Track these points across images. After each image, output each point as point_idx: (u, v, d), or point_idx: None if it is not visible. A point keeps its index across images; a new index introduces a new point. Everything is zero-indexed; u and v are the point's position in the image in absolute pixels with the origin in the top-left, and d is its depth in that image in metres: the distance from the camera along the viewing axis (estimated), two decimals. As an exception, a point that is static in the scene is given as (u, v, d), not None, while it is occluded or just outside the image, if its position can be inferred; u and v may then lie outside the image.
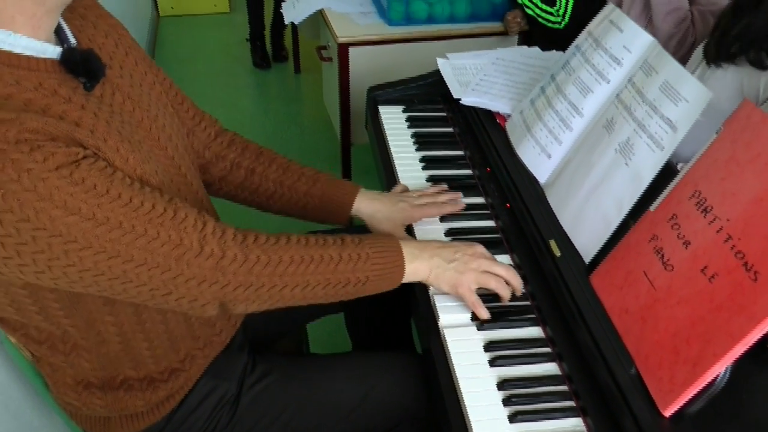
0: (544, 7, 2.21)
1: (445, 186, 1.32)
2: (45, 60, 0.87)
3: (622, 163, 1.06)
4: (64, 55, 0.89)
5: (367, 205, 1.27)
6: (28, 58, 0.85)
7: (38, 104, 0.83)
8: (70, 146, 0.82)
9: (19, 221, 0.78)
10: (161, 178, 0.98)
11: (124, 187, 0.86)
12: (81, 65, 0.90)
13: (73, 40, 0.95)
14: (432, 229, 1.25)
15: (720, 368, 0.79)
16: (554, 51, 1.65)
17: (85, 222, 0.81)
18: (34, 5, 0.85)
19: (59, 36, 0.93)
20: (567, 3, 2.17)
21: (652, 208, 0.98)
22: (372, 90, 1.64)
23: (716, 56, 1.43)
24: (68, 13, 0.96)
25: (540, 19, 2.23)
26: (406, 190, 1.32)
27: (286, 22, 2.55)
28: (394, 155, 1.45)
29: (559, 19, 2.19)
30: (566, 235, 1.11)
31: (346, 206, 1.27)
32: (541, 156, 1.24)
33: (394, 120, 1.56)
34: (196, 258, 0.90)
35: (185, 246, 0.89)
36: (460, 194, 1.30)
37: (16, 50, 0.84)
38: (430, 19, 2.31)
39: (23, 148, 0.77)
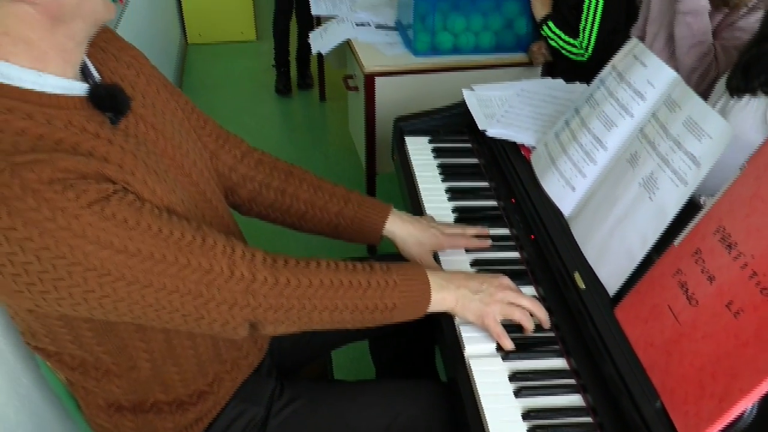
0: (567, 39, 2.24)
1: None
2: (73, 97, 0.90)
3: (646, 197, 1.07)
4: (91, 91, 0.92)
5: (399, 226, 1.28)
6: (58, 96, 0.88)
7: (69, 142, 0.87)
8: (100, 183, 0.86)
9: (56, 258, 0.81)
10: (187, 206, 1.01)
11: (153, 218, 0.89)
12: (107, 101, 0.93)
13: (97, 75, 0.98)
14: (458, 259, 1.26)
15: (747, 404, 0.79)
16: (578, 83, 1.67)
17: (117, 255, 0.84)
18: (66, 39, 0.88)
19: (83, 72, 0.96)
20: (590, 35, 2.19)
21: (676, 242, 0.98)
22: (398, 120, 1.67)
23: (740, 88, 1.45)
24: (90, 48, 0.98)
25: (563, 51, 2.25)
26: (432, 221, 1.34)
27: (314, 52, 2.60)
28: (421, 186, 1.47)
29: (582, 51, 2.22)
30: (590, 267, 1.12)
31: (378, 227, 1.28)
32: (565, 189, 1.26)
33: (420, 151, 1.59)
34: (226, 282, 0.92)
35: (215, 272, 0.92)
36: (488, 230, 1.31)
37: (47, 89, 0.87)
38: (456, 50, 2.35)
39: (57, 188, 0.81)
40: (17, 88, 0.85)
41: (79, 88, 0.91)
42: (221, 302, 0.93)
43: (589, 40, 2.20)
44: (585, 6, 2.18)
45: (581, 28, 2.20)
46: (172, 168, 1.03)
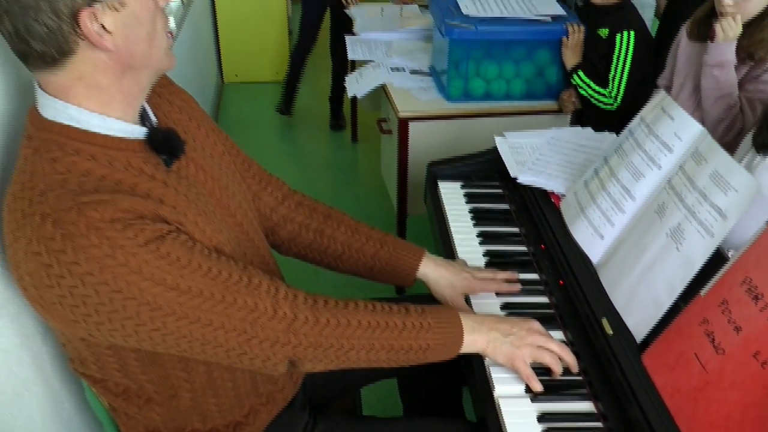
0: (596, 88, 2.29)
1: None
2: (132, 140, 0.98)
3: (673, 247, 1.11)
4: (149, 135, 0.99)
5: (432, 270, 1.33)
6: (120, 139, 0.96)
7: (128, 183, 0.94)
8: (156, 223, 0.92)
9: (112, 291, 0.87)
10: (233, 245, 1.07)
11: (203, 258, 0.95)
12: (164, 144, 1.01)
13: (154, 119, 1.06)
14: (488, 303, 1.30)
15: (771, 452, 0.81)
16: (606, 132, 1.72)
17: (169, 291, 0.90)
18: (132, 85, 0.97)
19: (141, 116, 1.04)
20: (619, 85, 2.25)
21: (702, 292, 1.01)
22: (432, 165, 1.73)
23: (766, 145, 1.48)
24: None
25: (593, 100, 2.31)
26: (465, 265, 1.38)
27: (349, 96, 2.68)
28: (453, 230, 1.52)
29: (611, 101, 2.27)
30: (618, 314, 1.15)
31: (412, 270, 1.33)
32: (594, 237, 1.30)
33: (452, 195, 1.64)
34: (269, 321, 0.98)
35: (260, 310, 0.97)
36: (518, 275, 1.35)
37: (110, 132, 0.95)
38: (488, 96, 2.41)
39: (117, 227, 0.87)
40: (84, 131, 0.93)
41: (139, 132, 0.99)
42: (264, 339, 0.98)
43: (618, 89, 2.25)
44: (614, 56, 2.24)
45: (610, 78, 2.26)
46: (219, 208, 1.09)
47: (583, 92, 2.32)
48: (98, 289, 0.87)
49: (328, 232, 1.34)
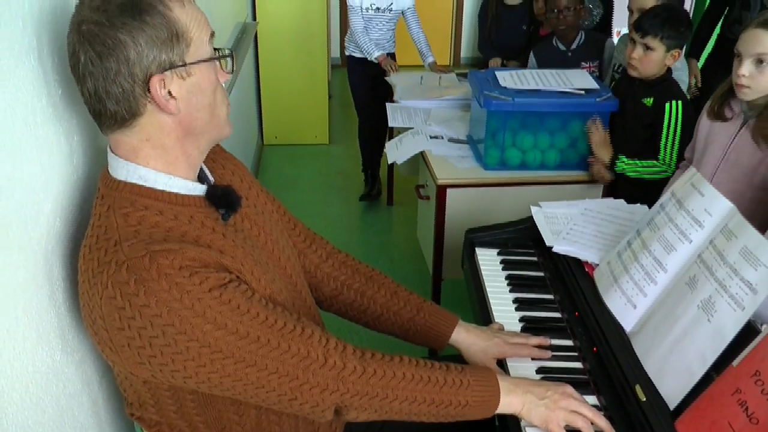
0: (645, 164, 2.32)
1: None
2: (194, 197, 1.08)
3: (705, 319, 1.15)
4: (208, 191, 1.10)
5: (464, 336, 1.39)
6: (183, 196, 1.07)
7: (192, 235, 1.04)
8: (219, 271, 1.01)
9: (178, 333, 0.95)
10: (284, 296, 1.15)
11: (261, 307, 1.03)
12: (222, 199, 1.11)
13: (211, 178, 1.17)
14: (524, 366, 1.35)
15: None
16: (638, 204, 1.78)
17: (229, 336, 0.98)
18: (192, 148, 1.08)
19: (200, 175, 1.15)
20: (672, 153, 2.27)
21: (735, 363, 1.05)
22: (470, 232, 1.80)
23: None
24: None
25: (646, 176, 2.33)
26: (502, 329, 1.44)
27: (389, 162, 2.78)
28: (490, 295, 1.58)
29: (665, 167, 2.29)
30: (651, 381, 1.19)
31: (446, 336, 1.40)
32: (627, 306, 1.34)
33: (489, 262, 1.71)
34: (320, 368, 1.05)
35: (311, 358, 1.04)
36: (550, 341, 1.40)
37: (174, 190, 1.06)
38: (523, 166, 2.49)
39: (185, 273, 0.96)
40: (152, 189, 1.04)
41: (200, 189, 1.09)
42: (314, 386, 1.04)
43: (671, 156, 2.28)
44: (665, 125, 2.27)
45: (662, 146, 2.29)
46: (271, 261, 1.18)
47: (633, 174, 2.35)
48: (165, 331, 0.95)
49: (368, 294, 1.41)
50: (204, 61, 1.03)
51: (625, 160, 2.35)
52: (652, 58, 2.27)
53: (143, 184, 1.04)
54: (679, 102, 2.28)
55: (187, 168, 1.09)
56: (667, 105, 2.28)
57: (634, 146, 2.39)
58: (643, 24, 2.26)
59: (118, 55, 0.95)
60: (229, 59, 1.10)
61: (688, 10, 4.98)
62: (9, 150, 0.93)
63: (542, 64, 3.13)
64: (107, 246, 0.98)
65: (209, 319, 0.97)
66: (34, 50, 1.01)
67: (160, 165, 1.05)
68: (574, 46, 3.08)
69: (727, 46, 2.96)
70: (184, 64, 1.00)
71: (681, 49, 2.30)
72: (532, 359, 1.37)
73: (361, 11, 3.68)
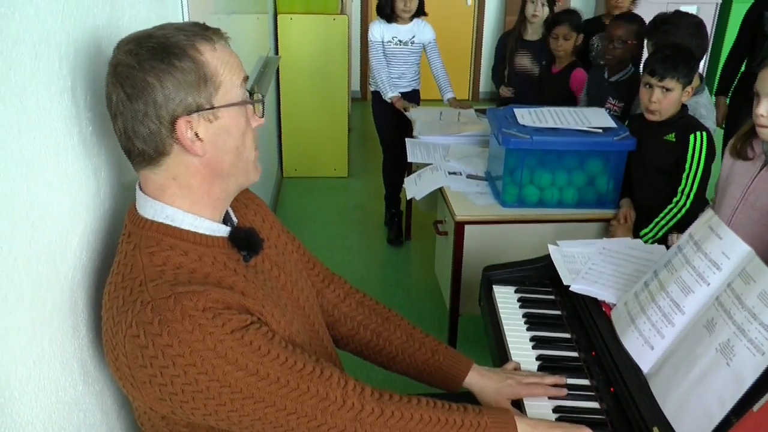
0: (663, 216, 2.33)
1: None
2: (218, 238, 1.10)
3: (723, 363, 1.15)
4: (231, 233, 1.12)
5: (477, 380, 1.40)
6: (207, 236, 1.09)
7: (215, 276, 1.06)
8: (241, 313, 1.03)
9: (199, 373, 0.97)
10: (303, 337, 1.16)
11: (281, 349, 1.04)
12: (245, 241, 1.13)
13: (235, 219, 1.19)
14: (541, 405, 1.35)
15: None
16: (656, 244, 1.78)
17: (250, 376, 1.00)
18: (219, 190, 1.11)
19: (224, 217, 1.17)
20: (693, 183, 2.27)
21: (755, 408, 1.05)
22: (487, 269, 1.81)
23: None
24: None
25: (672, 223, 2.33)
26: (518, 367, 1.44)
27: (408, 198, 2.80)
28: (507, 333, 1.58)
29: (682, 204, 2.29)
30: (669, 423, 1.18)
31: (460, 379, 1.41)
32: (644, 347, 1.34)
33: (506, 299, 1.71)
34: (339, 410, 1.06)
35: (330, 399, 1.05)
36: (566, 380, 1.40)
37: (199, 231, 1.08)
38: (541, 203, 2.50)
39: (208, 315, 0.98)
40: (178, 228, 1.06)
41: (224, 231, 1.12)
42: (332, 427, 1.05)
43: (692, 186, 2.28)
44: (689, 155, 2.27)
45: (685, 176, 2.29)
46: (290, 301, 1.20)
47: (662, 234, 2.34)
48: (186, 370, 0.97)
49: (384, 334, 1.43)
50: (233, 105, 1.06)
51: (651, 228, 2.35)
52: (672, 99, 2.29)
53: (170, 224, 1.07)
54: (704, 133, 2.28)
55: (212, 209, 1.11)
56: (692, 136, 2.28)
57: (655, 186, 2.39)
58: (657, 68, 2.28)
59: (146, 98, 0.99)
60: (260, 105, 1.12)
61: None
62: (42, 187, 0.96)
63: (590, 85, 3.21)
64: (132, 285, 1.01)
65: (230, 360, 0.99)
66: (68, 90, 1.05)
67: (186, 204, 1.08)
68: (614, 78, 3.10)
69: (752, 83, 3.00)
70: (212, 107, 1.03)
71: (692, 85, 2.32)
72: (552, 398, 1.36)
73: (383, 45, 3.74)
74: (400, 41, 3.76)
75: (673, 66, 2.26)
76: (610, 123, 2.50)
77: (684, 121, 2.34)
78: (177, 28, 1.03)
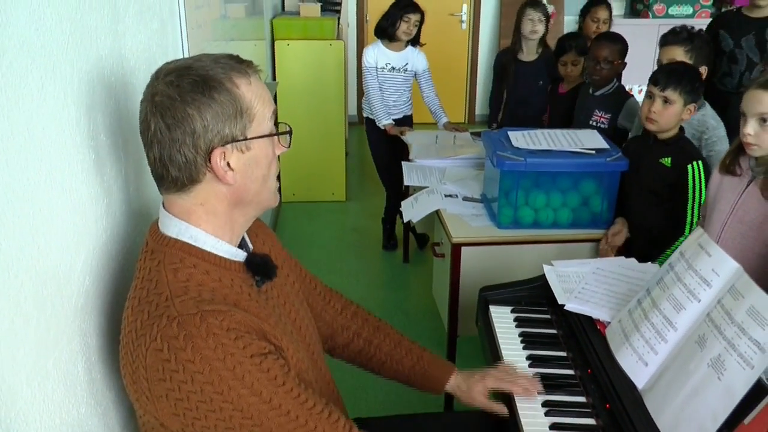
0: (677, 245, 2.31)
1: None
2: (235, 262, 1.13)
3: (715, 377, 1.17)
4: (248, 258, 1.15)
5: (458, 384, 1.52)
6: (227, 260, 1.12)
7: (232, 298, 1.08)
8: (261, 340, 1.05)
9: (215, 392, 0.99)
10: (311, 376, 1.19)
11: (294, 384, 1.07)
12: (261, 267, 1.16)
13: (250, 245, 1.22)
14: (538, 422, 1.37)
15: None
16: (649, 263, 1.81)
17: (263, 404, 1.02)
18: (240, 216, 1.15)
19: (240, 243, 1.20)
20: (693, 214, 2.29)
21: (746, 421, 1.07)
22: (484, 290, 1.83)
23: None
24: None
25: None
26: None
27: (405, 221, 2.83)
28: (503, 352, 1.61)
29: (689, 230, 2.30)
30: (664, 439, 1.21)
31: (442, 383, 1.52)
32: (638, 363, 1.36)
33: (503, 319, 1.74)
34: None
35: None
36: (537, 383, 1.46)
37: (220, 253, 1.11)
38: (536, 224, 2.52)
39: (231, 336, 1.01)
40: (201, 249, 1.10)
41: (241, 255, 1.15)
42: None
43: (693, 218, 2.30)
44: (690, 187, 2.28)
45: (689, 208, 2.29)
46: (296, 331, 1.23)
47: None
48: (203, 388, 0.99)
49: (375, 342, 1.51)
50: (264, 136, 1.10)
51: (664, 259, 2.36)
52: (672, 112, 2.29)
53: (193, 244, 1.10)
54: (700, 162, 2.29)
55: (232, 234, 1.15)
56: (689, 167, 2.28)
57: (648, 205, 2.42)
58: (660, 78, 2.30)
59: (185, 128, 1.03)
60: (288, 135, 1.17)
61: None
62: (47, 214, 0.99)
63: (580, 100, 3.30)
64: (158, 300, 1.03)
65: (246, 384, 1.01)
66: (72, 119, 1.08)
67: (210, 228, 1.11)
68: (599, 93, 3.16)
69: (717, 98, 3.13)
70: (245, 139, 1.08)
71: (696, 104, 2.34)
72: (549, 415, 1.38)
73: (377, 71, 3.79)
74: (393, 68, 3.81)
75: (677, 79, 2.28)
76: (603, 144, 2.54)
77: (681, 146, 2.36)
78: (214, 60, 1.08)
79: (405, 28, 3.69)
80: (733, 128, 2.63)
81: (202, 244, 1.10)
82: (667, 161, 2.36)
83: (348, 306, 1.55)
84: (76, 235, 1.10)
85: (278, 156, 1.17)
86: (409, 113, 3.98)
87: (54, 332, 1.01)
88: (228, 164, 1.07)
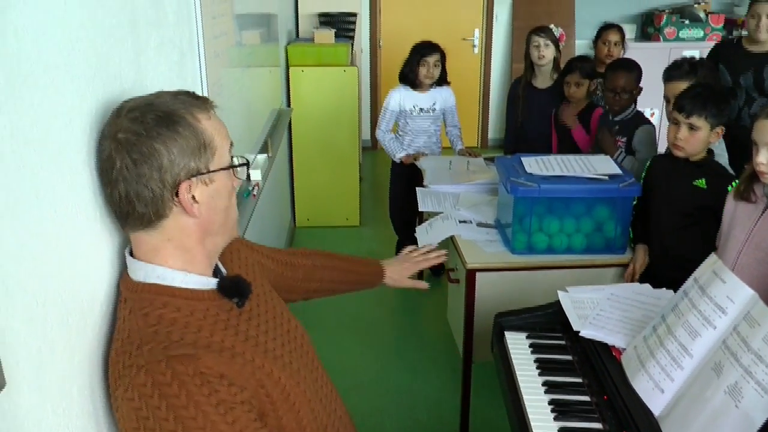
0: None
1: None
2: (207, 291, 1.15)
3: (732, 405, 1.17)
4: (219, 283, 1.17)
5: (388, 278, 1.85)
6: (198, 291, 1.14)
7: (207, 330, 1.09)
8: (232, 386, 1.03)
9: None
10: (303, 373, 1.19)
11: None
12: (233, 289, 1.18)
13: (223, 270, 1.24)
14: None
15: None
16: (663, 289, 1.81)
17: None
18: (211, 246, 1.17)
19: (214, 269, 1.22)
20: None
21: (763, 449, 1.07)
22: (499, 316, 1.84)
23: None
24: None
25: None
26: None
27: (419, 246, 2.83)
28: (519, 379, 1.61)
29: None
30: (681, 467, 1.20)
31: (378, 284, 1.84)
32: (654, 390, 1.37)
33: (518, 346, 1.74)
34: None
35: None
36: (444, 253, 1.83)
37: (190, 286, 1.13)
38: (550, 250, 2.53)
39: (197, 381, 1.00)
40: (169, 286, 1.11)
41: (213, 283, 1.17)
42: None
43: None
44: None
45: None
46: (287, 339, 1.24)
47: None
48: None
49: (327, 279, 1.72)
50: (225, 168, 1.14)
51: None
52: (698, 138, 2.28)
53: (161, 283, 1.11)
54: (736, 183, 2.29)
55: (205, 266, 1.17)
56: (730, 188, 2.21)
57: (676, 227, 2.40)
58: (685, 104, 2.29)
59: (152, 162, 1.05)
60: (245, 167, 1.22)
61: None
62: (74, 247, 1.02)
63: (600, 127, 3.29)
64: (131, 350, 1.04)
65: None
66: (95, 151, 1.11)
67: (178, 263, 1.12)
68: (618, 118, 3.17)
69: None
70: (209, 171, 1.11)
71: (722, 127, 2.32)
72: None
73: (406, 114, 3.85)
74: (422, 109, 3.86)
75: (701, 104, 2.26)
76: (616, 170, 2.55)
77: (714, 167, 2.35)
78: (173, 96, 1.11)
79: (425, 72, 3.74)
80: (735, 158, 2.67)
81: (171, 281, 1.11)
82: (701, 183, 2.33)
83: (307, 252, 1.69)
84: (98, 265, 1.13)
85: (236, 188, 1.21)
86: (438, 152, 4.01)
87: (78, 359, 1.03)
88: (193, 197, 1.09)
